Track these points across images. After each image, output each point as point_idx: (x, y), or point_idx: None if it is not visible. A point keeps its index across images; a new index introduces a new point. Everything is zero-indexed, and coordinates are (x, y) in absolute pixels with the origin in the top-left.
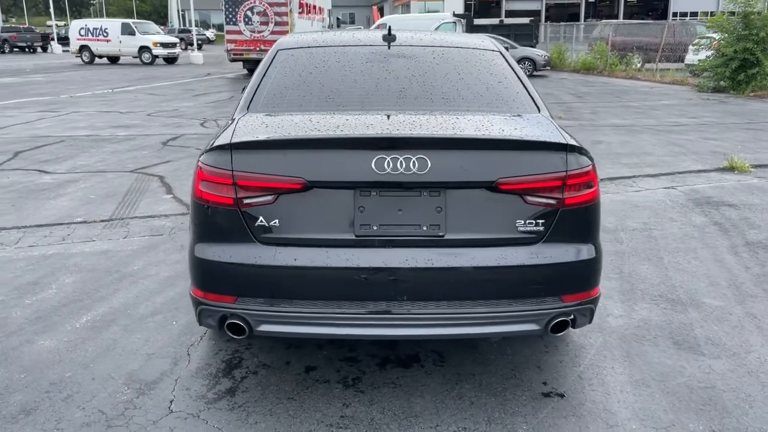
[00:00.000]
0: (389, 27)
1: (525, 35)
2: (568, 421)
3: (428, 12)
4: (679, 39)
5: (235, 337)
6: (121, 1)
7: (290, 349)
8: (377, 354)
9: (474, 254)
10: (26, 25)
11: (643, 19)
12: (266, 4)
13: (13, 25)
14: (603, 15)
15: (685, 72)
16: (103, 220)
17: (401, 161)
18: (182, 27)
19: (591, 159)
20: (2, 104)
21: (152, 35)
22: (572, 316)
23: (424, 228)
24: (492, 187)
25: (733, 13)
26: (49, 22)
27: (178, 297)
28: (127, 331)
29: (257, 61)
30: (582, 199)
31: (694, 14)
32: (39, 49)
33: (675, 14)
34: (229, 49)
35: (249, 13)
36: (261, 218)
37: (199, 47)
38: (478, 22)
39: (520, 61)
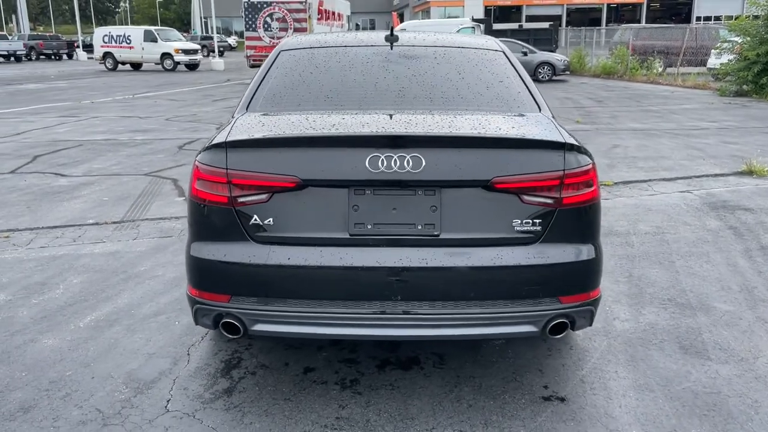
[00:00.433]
0: (392, 27)
1: (544, 40)
2: (567, 426)
3: (448, 17)
4: (701, 43)
5: (230, 336)
6: (145, 9)
7: (290, 350)
8: (377, 356)
9: (469, 254)
10: (52, 33)
11: (666, 23)
12: (285, 11)
13: (39, 33)
14: (625, 20)
15: (707, 76)
16: (114, 222)
17: (395, 159)
18: (204, 34)
19: (591, 158)
20: (24, 109)
21: (174, 42)
22: (571, 318)
23: (419, 227)
24: (487, 186)
25: (757, 17)
26: (73, 32)
27: (182, 297)
28: (129, 330)
29: None
30: (581, 199)
31: (717, 18)
32: (64, 57)
33: (698, 18)
34: (249, 55)
35: (268, 19)
36: (255, 217)
37: (221, 54)
38: (497, 26)
39: (540, 65)
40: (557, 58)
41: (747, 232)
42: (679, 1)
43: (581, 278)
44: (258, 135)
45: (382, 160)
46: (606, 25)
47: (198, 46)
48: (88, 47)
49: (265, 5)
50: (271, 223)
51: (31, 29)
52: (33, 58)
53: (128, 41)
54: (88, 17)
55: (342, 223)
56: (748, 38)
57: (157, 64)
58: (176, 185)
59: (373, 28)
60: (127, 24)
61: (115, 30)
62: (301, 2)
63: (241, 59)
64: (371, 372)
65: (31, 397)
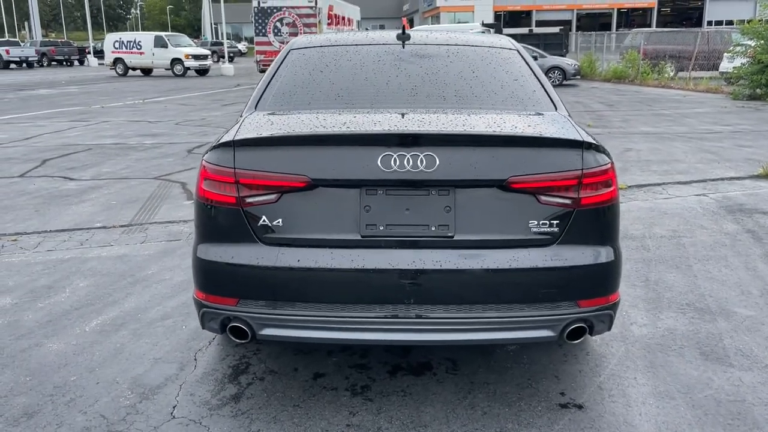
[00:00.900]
0: (403, 26)
1: (555, 44)
2: None
3: (458, 22)
4: (714, 47)
5: (237, 341)
6: (156, 15)
7: (299, 355)
8: (388, 361)
9: (485, 256)
10: (64, 40)
11: (677, 28)
12: (295, 16)
13: (51, 40)
14: (635, 24)
15: (720, 80)
16: (122, 226)
17: (408, 158)
18: (215, 40)
19: (609, 157)
20: (35, 114)
21: (184, 47)
22: (589, 323)
23: (433, 228)
24: (503, 185)
25: None
26: (84, 38)
27: (189, 302)
28: (135, 335)
29: None
30: (599, 199)
31: (729, 22)
32: (76, 63)
33: (710, 22)
34: (258, 60)
35: (278, 24)
36: (264, 218)
37: (231, 59)
38: (507, 31)
39: (550, 70)
40: (568, 62)
41: (766, 236)
42: (690, 5)
43: (600, 281)
44: (267, 133)
45: (395, 159)
46: (616, 30)
47: (208, 52)
48: (99, 53)
49: (275, 10)
50: (280, 224)
51: (43, 36)
52: (45, 65)
53: (139, 47)
54: (100, 24)
55: (353, 224)
56: (762, 41)
57: (167, 69)
58: (185, 189)
59: None
60: (137, 30)
61: (126, 36)
62: (311, 7)
63: (250, 65)
64: (382, 378)
65: (35, 402)
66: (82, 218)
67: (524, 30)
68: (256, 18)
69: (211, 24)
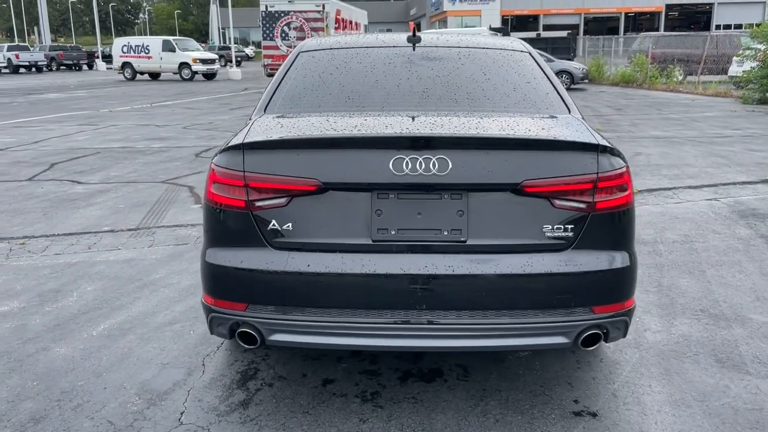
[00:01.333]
0: (414, 29)
1: (562, 48)
2: None
3: (465, 27)
4: (723, 51)
5: (246, 346)
6: (164, 20)
7: (308, 361)
8: (399, 367)
9: (498, 261)
10: (73, 44)
11: (685, 32)
12: (303, 20)
13: (60, 44)
14: (643, 28)
15: (729, 84)
16: (129, 229)
17: (420, 162)
18: (222, 44)
19: (624, 161)
20: (44, 118)
21: (192, 52)
22: (604, 329)
23: (445, 233)
24: (517, 189)
25: None
26: (98, 47)
27: (197, 306)
28: (143, 340)
29: None
30: (615, 203)
31: (738, 26)
32: (84, 67)
33: (718, 26)
34: (266, 64)
35: (286, 28)
36: (273, 222)
37: (238, 64)
38: (514, 35)
39: (558, 74)
40: (575, 66)
41: None
42: (699, 9)
43: (615, 287)
44: (277, 136)
45: (407, 162)
46: (624, 34)
47: (215, 56)
48: (108, 58)
49: (282, 14)
50: (290, 228)
51: (52, 40)
52: (54, 69)
53: (147, 51)
54: (108, 28)
55: (364, 229)
56: None
57: (175, 73)
58: (192, 192)
59: None
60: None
61: (134, 40)
62: (318, 11)
63: (258, 69)
64: (393, 384)
65: (42, 407)
66: (89, 222)
67: (532, 34)
68: (264, 22)
69: (218, 28)
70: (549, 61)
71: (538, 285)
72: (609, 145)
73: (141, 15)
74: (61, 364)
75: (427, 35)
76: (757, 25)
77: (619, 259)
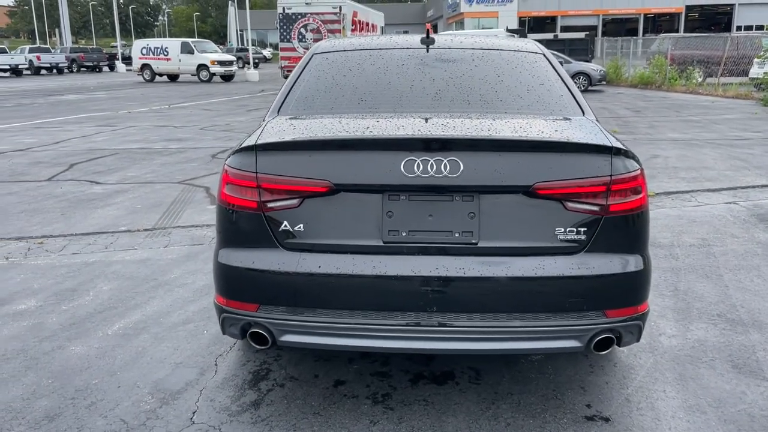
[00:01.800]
0: (427, 30)
1: (580, 50)
2: None
3: (482, 28)
4: (743, 52)
5: (258, 347)
6: (183, 22)
7: (319, 362)
8: (410, 369)
9: (509, 263)
10: (94, 46)
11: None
12: (320, 22)
13: (81, 46)
14: (663, 30)
15: (749, 86)
16: (146, 230)
17: (432, 164)
18: (240, 46)
19: (639, 163)
20: (64, 119)
21: (210, 54)
22: (617, 333)
23: (456, 235)
24: (529, 191)
25: None
26: (114, 43)
27: (211, 306)
28: (157, 339)
29: None
30: (628, 206)
31: (759, 27)
32: (105, 68)
33: (739, 27)
34: (283, 65)
35: (303, 30)
36: (285, 223)
37: (256, 65)
38: (531, 37)
39: (575, 75)
40: (593, 68)
41: None
42: (719, 10)
43: (629, 291)
44: (289, 138)
45: (418, 164)
46: (643, 36)
47: (233, 58)
48: (127, 59)
49: (299, 16)
50: (302, 229)
51: (73, 42)
52: (74, 70)
53: (165, 53)
54: (128, 30)
55: (375, 230)
56: None
57: (193, 75)
58: (208, 193)
59: None
60: (165, 37)
61: (153, 42)
62: (335, 13)
63: (275, 70)
64: (404, 386)
65: (56, 405)
66: (107, 222)
67: (549, 35)
68: (281, 24)
69: (236, 30)
70: (566, 62)
71: (549, 288)
72: (623, 148)
73: (160, 17)
74: (76, 363)
75: (441, 37)
76: None
77: (632, 263)
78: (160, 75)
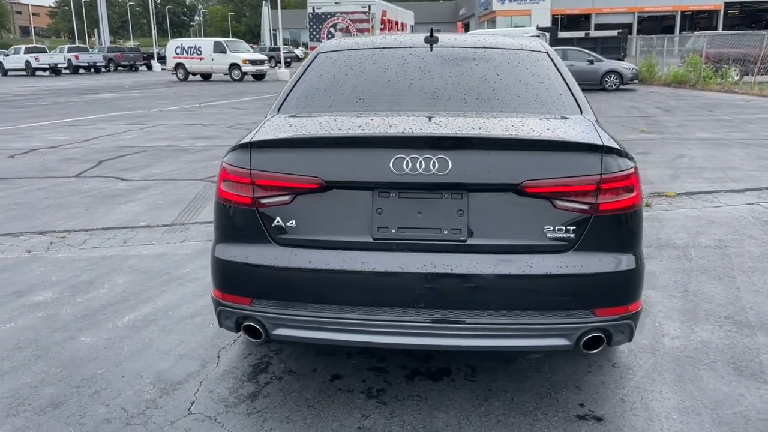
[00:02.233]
0: (431, 29)
1: (612, 48)
2: None
3: (515, 27)
4: None
5: (252, 340)
6: (218, 22)
7: (319, 357)
8: (407, 365)
9: (497, 261)
10: (130, 46)
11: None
12: (349, 21)
13: (118, 46)
14: (700, 27)
15: None
16: (164, 225)
17: (421, 161)
18: (273, 45)
19: (633, 161)
20: (97, 117)
21: (242, 53)
22: (607, 332)
23: (445, 232)
24: (518, 190)
25: None
26: (129, 44)
27: None
28: (164, 331)
29: None
30: (620, 205)
31: None
32: (143, 68)
33: None
34: None
35: (332, 29)
36: (278, 218)
37: (288, 64)
38: (562, 35)
39: (606, 74)
40: (625, 66)
41: None
42: (760, 7)
43: (619, 290)
44: (282, 135)
45: (407, 161)
46: (680, 33)
47: (265, 57)
48: (163, 59)
49: (329, 16)
50: (294, 225)
51: (111, 42)
52: (111, 69)
53: (199, 52)
54: (165, 30)
55: (365, 227)
56: None
57: (225, 74)
58: None
59: None
60: (200, 36)
61: (187, 42)
62: (364, 12)
63: None
64: (399, 382)
65: (62, 392)
66: (128, 217)
67: (580, 33)
68: (311, 23)
69: (270, 30)
70: (597, 61)
71: (537, 286)
72: (615, 146)
73: (196, 17)
74: (85, 353)
75: (445, 36)
76: None
77: (623, 262)
78: (194, 74)
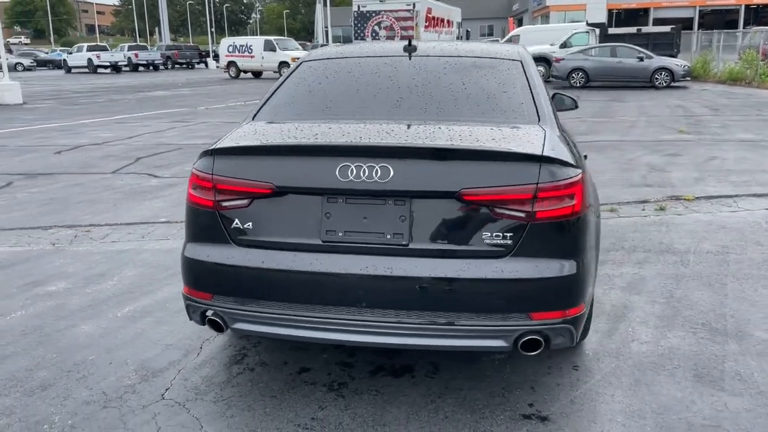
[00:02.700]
0: (410, 39)
1: (665, 44)
2: None
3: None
4: None
5: (216, 332)
6: (274, 19)
7: (293, 350)
8: (374, 361)
9: (435, 265)
10: (190, 43)
11: None
12: (393, 19)
13: (176, 44)
14: (766, 22)
15: None
16: (182, 221)
17: (365, 169)
18: (323, 43)
19: (579, 169)
20: (144, 114)
21: (291, 51)
22: (544, 335)
23: (388, 236)
24: (457, 197)
25: None
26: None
27: None
28: (157, 322)
29: None
30: (558, 213)
31: None
32: (201, 65)
33: None
34: None
35: (377, 27)
36: (237, 221)
37: None
38: (613, 31)
39: (656, 71)
40: (676, 63)
41: None
42: None
43: (555, 295)
44: (242, 143)
45: (352, 169)
46: (743, 28)
47: None
48: (217, 57)
49: (373, 14)
50: (251, 227)
51: (171, 40)
52: (169, 67)
53: (250, 51)
54: (222, 28)
55: (315, 230)
56: None
57: (275, 72)
58: None
59: (491, 34)
60: (257, 34)
61: (239, 40)
62: (408, 10)
63: None
64: (362, 377)
65: (52, 376)
66: (151, 213)
67: (632, 29)
68: (356, 22)
69: (323, 27)
70: (647, 58)
71: (473, 289)
72: (555, 156)
73: (253, 15)
74: (82, 341)
75: (424, 44)
76: None
77: (561, 268)
78: (245, 72)
